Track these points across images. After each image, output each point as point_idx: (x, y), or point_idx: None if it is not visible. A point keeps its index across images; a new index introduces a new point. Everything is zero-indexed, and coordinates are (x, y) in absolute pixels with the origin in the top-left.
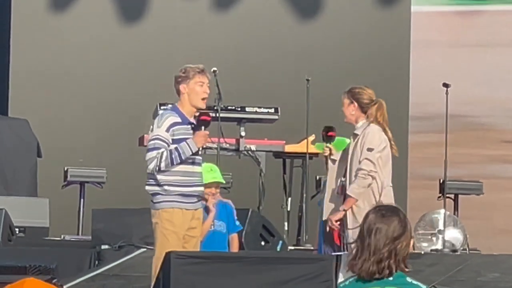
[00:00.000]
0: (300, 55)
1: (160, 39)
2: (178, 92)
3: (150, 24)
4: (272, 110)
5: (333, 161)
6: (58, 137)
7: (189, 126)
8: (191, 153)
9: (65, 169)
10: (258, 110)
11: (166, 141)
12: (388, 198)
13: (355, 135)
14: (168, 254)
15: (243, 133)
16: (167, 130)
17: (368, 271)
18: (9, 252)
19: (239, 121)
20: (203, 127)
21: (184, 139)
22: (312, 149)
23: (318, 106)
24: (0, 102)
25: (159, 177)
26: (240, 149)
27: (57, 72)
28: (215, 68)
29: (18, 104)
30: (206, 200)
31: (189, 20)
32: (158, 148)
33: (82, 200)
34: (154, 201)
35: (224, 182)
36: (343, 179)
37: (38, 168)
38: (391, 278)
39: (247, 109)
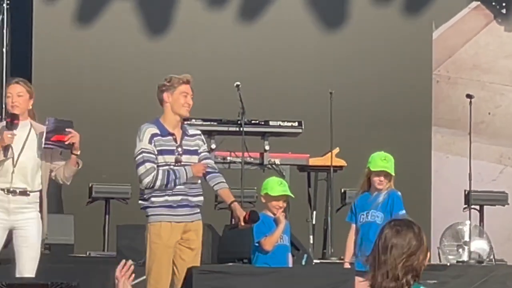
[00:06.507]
0: (324, 68)
1: (184, 53)
2: (161, 101)
3: (174, 37)
4: (296, 124)
5: None
6: (82, 153)
7: (170, 137)
8: (185, 180)
9: (90, 185)
10: (281, 123)
11: (152, 152)
12: None
13: None
14: (190, 270)
15: (267, 147)
16: (150, 142)
17: None
18: None
19: (263, 135)
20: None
21: (164, 151)
22: (337, 162)
23: (342, 119)
24: None
25: (146, 190)
26: (264, 163)
27: (80, 87)
28: (238, 83)
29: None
30: (275, 214)
31: (213, 33)
32: (148, 161)
33: (107, 216)
34: (146, 215)
35: (293, 196)
36: None
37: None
38: None
39: (271, 123)
